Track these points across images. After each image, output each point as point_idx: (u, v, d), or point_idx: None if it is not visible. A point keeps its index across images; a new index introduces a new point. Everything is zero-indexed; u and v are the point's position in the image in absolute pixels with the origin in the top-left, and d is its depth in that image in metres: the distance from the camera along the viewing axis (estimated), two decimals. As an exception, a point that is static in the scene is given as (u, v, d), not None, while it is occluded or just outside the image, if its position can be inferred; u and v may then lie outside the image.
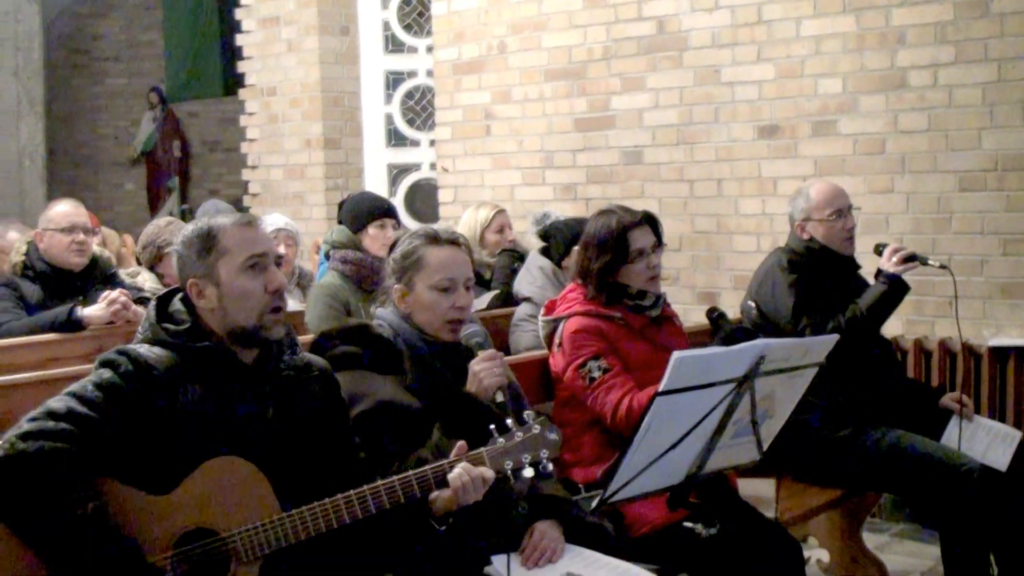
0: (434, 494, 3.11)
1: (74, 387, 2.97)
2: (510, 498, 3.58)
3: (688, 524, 3.89)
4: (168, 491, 2.93)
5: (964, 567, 4.75)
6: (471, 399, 3.60)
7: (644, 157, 7.76)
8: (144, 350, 3.05)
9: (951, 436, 5.06)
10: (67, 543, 2.79)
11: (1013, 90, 6.30)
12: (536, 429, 3.14)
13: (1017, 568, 4.82)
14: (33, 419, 2.89)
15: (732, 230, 7.41)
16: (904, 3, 6.61)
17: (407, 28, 9.84)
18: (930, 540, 5.82)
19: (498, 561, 3.43)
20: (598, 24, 7.92)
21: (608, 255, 4.42)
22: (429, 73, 9.51)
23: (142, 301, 5.68)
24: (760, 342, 3.31)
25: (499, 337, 5.77)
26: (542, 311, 4.70)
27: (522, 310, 5.91)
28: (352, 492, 3.01)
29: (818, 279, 5.18)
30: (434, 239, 3.74)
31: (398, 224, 6.33)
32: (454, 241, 3.77)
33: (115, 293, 5.66)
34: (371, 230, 6.15)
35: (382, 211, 6.30)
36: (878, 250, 5.29)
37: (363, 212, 6.26)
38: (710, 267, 7.52)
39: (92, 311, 5.58)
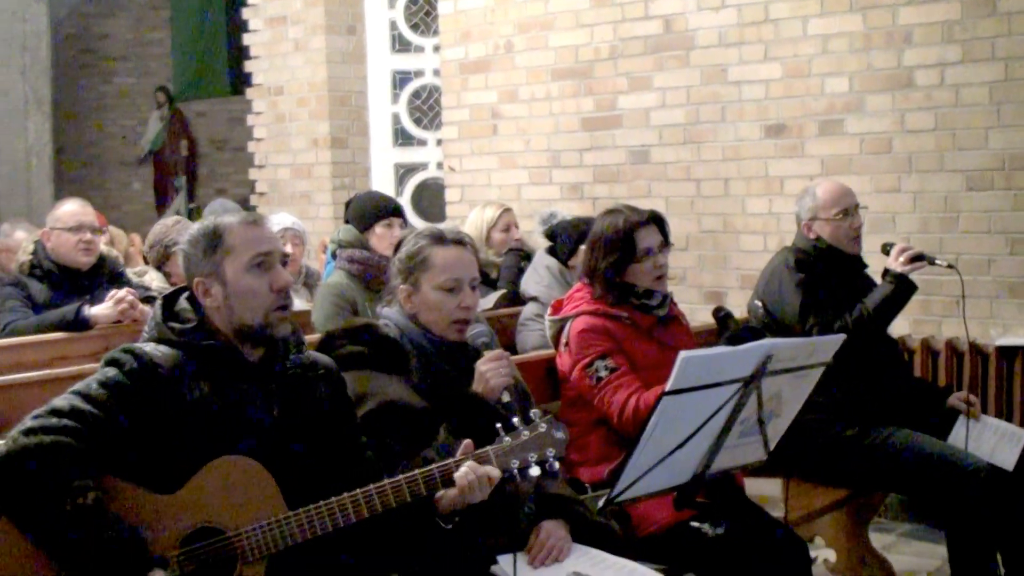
0: (440, 493, 3.11)
1: (79, 385, 2.98)
2: (516, 497, 3.58)
3: (695, 524, 3.89)
4: (174, 490, 2.93)
5: (971, 567, 4.74)
6: (477, 399, 3.60)
7: (651, 156, 7.75)
8: (150, 348, 3.06)
9: (958, 436, 5.05)
10: (68, 534, 2.79)
11: (1020, 89, 6.29)
12: (542, 428, 3.14)
13: (1024, 568, 4.82)
14: (36, 416, 2.90)
15: (739, 229, 7.41)
16: (911, 2, 6.60)
17: (414, 27, 9.85)
18: (937, 540, 5.81)
19: (504, 560, 3.43)
20: (605, 23, 7.91)
21: (615, 254, 4.42)
22: (436, 72, 9.51)
23: (149, 300, 5.68)
24: (767, 342, 3.31)
25: (506, 336, 5.78)
26: (549, 310, 4.69)
27: (529, 309, 5.91)
28: (358, 491, 3.01)
29: (825, 278, 5.18)
30: (439, 239, 3.74)
31: (405, 223, 6.33)
32: (459, 241, 3.77)
33: (122, 292, 5.66)
34: (378, 229, 6.16)
35: (389, 210, 6.30)
36: (885, 249, 5.28)
37: (370, 211, 6.26)
38: (717, 266, 7.52)
39: (99, 310, 5.59)
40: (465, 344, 3.78)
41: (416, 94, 9.91)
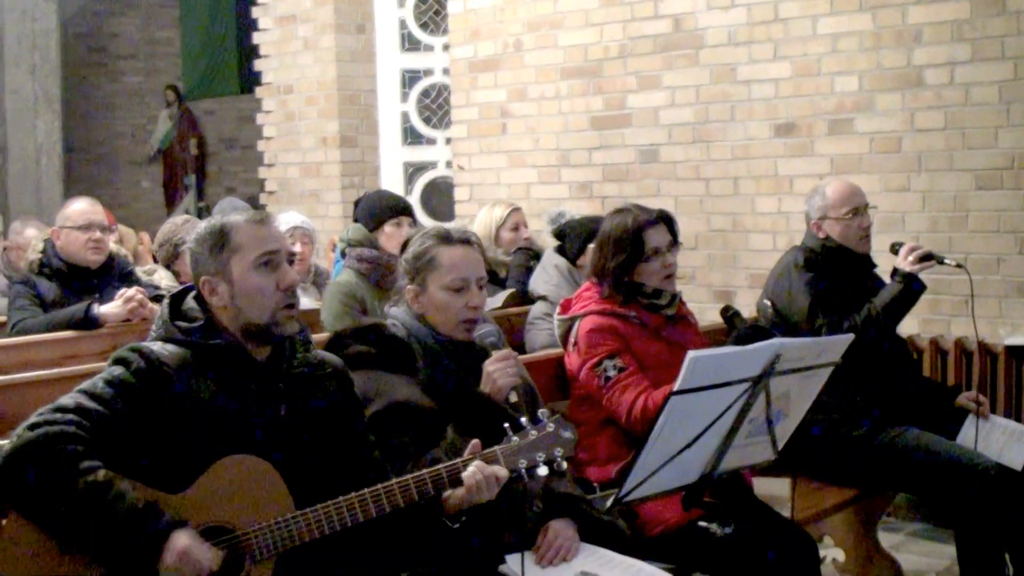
0: (448, 493, 3.11)
1: (85, 384, 2.99)
2: (524, 497, 3.57)
3: (703, 523, 3.89)
4: (182, 489, 2.93)
5: (979, 566, 4.74)
6: (485, 399, 3.60)
7: (660, 155, 7.75)
8: (157, 347, 3.06)
9: (967, 435, 5.04)
10: (83, 513, 2.78)
11: (1030, 88, 6.29)
12: (550, 427, 3.14)
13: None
14: (41, 413, 2.90)
15: (748, 228, 7.40)
16: (920, 1, 6.58)
17: (423, 26, 9.85)
18: (945, 539, 5.81)
19: (512, 560, 3.42)
20: (614, 22, 7.90)
21: (624, 254, 4.42)
22: (445, 71, 9.51)
23: (158, 299, 5.68)
24: (775, 341, 3.30)
25: (514, 335, 5.77)
26: (557, 310, 4.69)
27: (537, 308, 5.91)
28: (366, 491, 3.01)
29: (834, 278, 5.18)
30: (446, 239, 3.74)
31: (414, 222, 6.34)
32: (466, 240, 3.77)
33: (132, 291, 5.68)
34: (387, 228, 6.17)
35: (398, 209, 6.32)
36: (894, 249, 5.28)
37: (379, 210, 6.27)
38: (726, 266, 7.51)
39: (109, 309, 5.60)
40: (472, 344, 3.78)
41: (425, 93, 9.90)
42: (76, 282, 5.87)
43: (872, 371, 5.04)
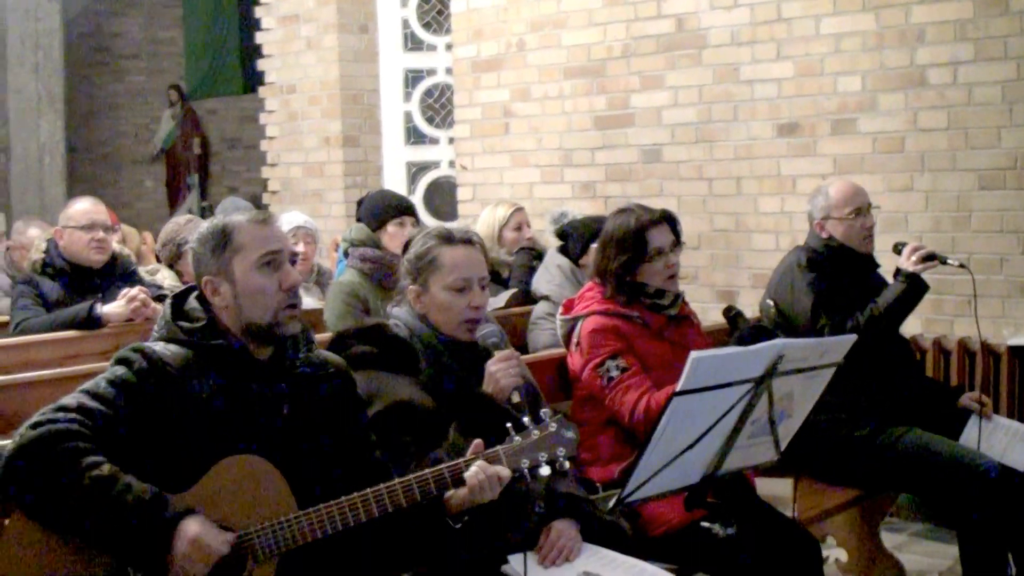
0: (450, 493, 3.11)
1: (87, 384, 2.99)
2: (527, 497, 3.57)
3: (705, 524, 3.88)
4: (184, 489, 2.93)
5: (982, 567, 4.73)
6: (487, 399, 3.60)
7: (663, 155, 7.74)
8: (160, 347, 3.06)
9: (970, 436, 5.04)
10: (90, 508, 2.78)
11: (1033, 88, 6.28)
12: (553, 427, 3.14)
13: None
14: (43, 412, 2.91)
15: (751, 228, 7.39)
16: (923, 1, 6.58)
17: (426, 26, 9.85)
18: (948, 540, 5.80)
19: (515, 560, 3.42)
20: (617, 22, 7.90)
21: (626, 254, 4.42)
22: (448, 71, 9.52)
23: (161, 299, 5.68)
24: (778, 342, 3.30)
25: (517, 335, 5.77)
26: (560, 310, 4.69)
27: (540, 308, 5.91)
28: (369, 490, 3.00)
29: (837, 278, 5.17)
30: (448, 239, 3.74)
31: (417, 222, 6.34)
32: (468, 240, 3.76)
33: (134, 290, 5.67)
34: (390, 228, 6.17)
35: (401, 209, 6.32)
36: (897, 249, 5.27)
37: (382, 210, 6.27)
38: (729, 266, 7.51)
39: (112, 308, 5.60)
40: (475, 344, 3.78)
41: (428, 92, 9.91)
42: (79, 282, 5.86)
43: (875, 371, 5.04)
